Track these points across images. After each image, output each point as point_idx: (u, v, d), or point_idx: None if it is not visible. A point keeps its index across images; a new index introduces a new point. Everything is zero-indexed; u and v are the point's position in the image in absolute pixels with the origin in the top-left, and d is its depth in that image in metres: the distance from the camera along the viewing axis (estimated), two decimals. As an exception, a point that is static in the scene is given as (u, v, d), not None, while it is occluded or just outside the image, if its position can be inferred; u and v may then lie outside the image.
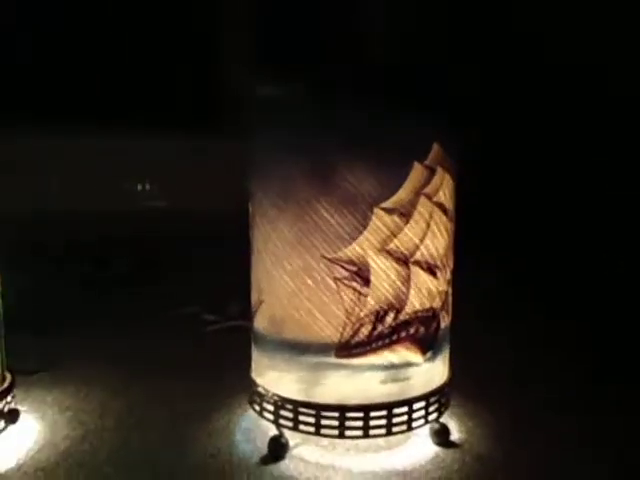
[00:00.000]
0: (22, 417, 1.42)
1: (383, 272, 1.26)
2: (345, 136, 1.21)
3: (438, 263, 1.34)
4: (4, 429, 1.31)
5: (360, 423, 1.27)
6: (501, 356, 1.90)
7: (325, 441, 1.36)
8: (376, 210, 1.24)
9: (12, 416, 1.31)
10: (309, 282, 1.26)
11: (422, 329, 1.32)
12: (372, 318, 1.27)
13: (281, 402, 1.30)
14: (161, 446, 1.38)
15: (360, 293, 1.26)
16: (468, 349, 1.57)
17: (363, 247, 1.25)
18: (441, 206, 1.33)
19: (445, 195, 1.34)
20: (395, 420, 1.29)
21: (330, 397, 1.28)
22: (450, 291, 1.42)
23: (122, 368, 1.77)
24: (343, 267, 1.25)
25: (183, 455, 1.34)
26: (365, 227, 1.24)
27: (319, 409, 1.27)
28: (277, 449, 1.33)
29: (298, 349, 1.28)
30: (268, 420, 1.34)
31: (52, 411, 1.54)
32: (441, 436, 1.40)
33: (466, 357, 1.52)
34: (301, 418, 1.29)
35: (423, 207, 1.29)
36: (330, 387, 1.28)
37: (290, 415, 1.29)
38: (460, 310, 1.49)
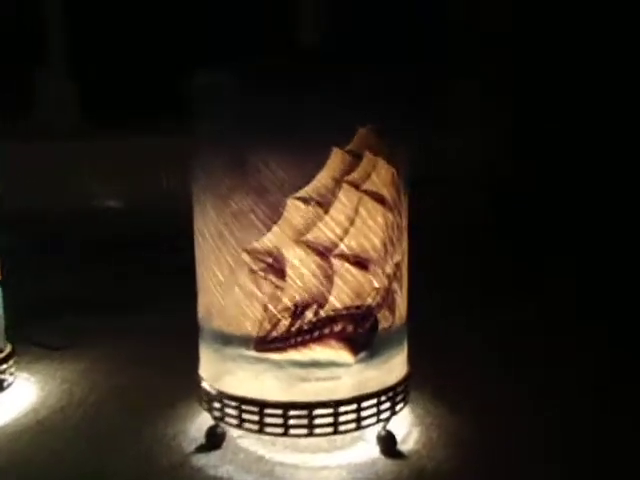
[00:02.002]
0: (25, 385, 1.65)
1: (300, 265, 1.20)
2: (259, 123, 1.18)
3: (371, 256, 1.24)
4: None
5: (280, 420, 1.23)
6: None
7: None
8: (289, 201, 1.18)
9: (-1, 384, 1.48)
10: (231, 274, 1.24)
11: (351, 328, 1.23)
12: (290, 312, 1.21)
13: (212, 393, 1.30)
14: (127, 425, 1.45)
15: (277, 286, 1.21)
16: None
17: (278, 238, 1.20)
18: (373, 194, 1.22)
19: (380, 182, 1.23)
20: (317, 422, 1.23)
21: (252, 391, 1.25)
22: (400, 288, 1.31)
23: (144, 351, 1.87)
24: (259, 259, 1.21)
25: (139, 436, 1.40)
26: (279, 217, 1.19)
27: (241, 402, 1.25)
28: (212, 438, 1.34)
29: (223, 340, 1.27)
30: (204, 409, 1.35)
31: (51, 383, 1.71)
32: (385, 444, 1.30)
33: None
34: (227, 410, 1.28)
35: (346, 196, 1.20)
36: (251, 381, 1.25)
37: (218, 406, 1.29)
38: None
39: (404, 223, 1.32)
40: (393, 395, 1.30)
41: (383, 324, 1.27)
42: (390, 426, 1.32)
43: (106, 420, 1.50)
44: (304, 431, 1.23)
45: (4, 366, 1.55)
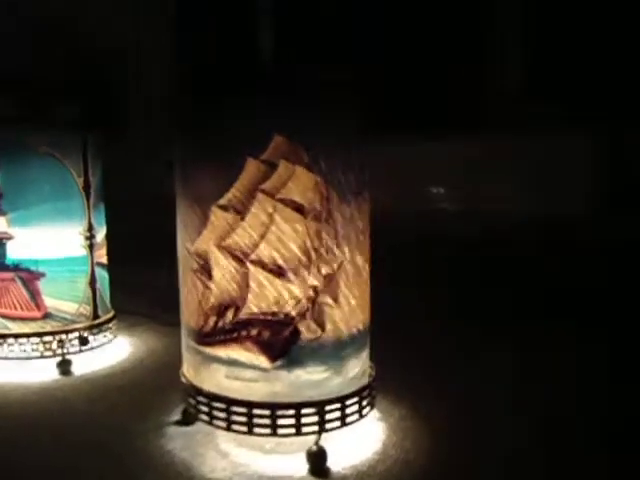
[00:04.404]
0: (122, 342, 2.10)
1: (222, 268, 1.27)
2: (188, 134, 1.29)
3: (289, 265, 1.23)
4: (81, 350, 1.93)
5: (206, 409, 1.33)
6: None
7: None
8: (213, 207, 1.26)
9: (83, 342, 1.93)
10: (183, 271, 1.38)
11: (267, 333, 1.25)
12: (215, 311, 1.30)
13: (184, 380, 1.46)
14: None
15: (206, 286, 1.31)
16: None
17: (206, 242, 1.29)
18: (290, 202, 1.21)
19: (298, 191, 1.21)
20: (234, 418, 1.28)
21: (196, 379, 1.37)
22: (334, 301, 1.26)
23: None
24: (195, 260, 1.33)
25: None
26: (206, 224, 1.28)
27: (190, 388, 1.38)
28: (185, 417, 1.50)
29: (184, 332, 1.42)
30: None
31: (139, 344, 2.11)
32: (311, 460, 1.27)
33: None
34: (186, 395, 1.42)
35: (261, 204, 1.22)
36: (195, 370, 1.38)
37: (186, 392, 1.44)
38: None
39: (343, 233, 1.26)
40: (319, 411, 1.26)
41: (307, 335, 1.25)
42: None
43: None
44: (224, 424, 1.30)
45: (109, 325, 1.99)
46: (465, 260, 3.10)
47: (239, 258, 1.25)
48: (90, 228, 1.92)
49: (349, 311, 1.29)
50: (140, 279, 2.75)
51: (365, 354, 1.37)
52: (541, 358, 1.96)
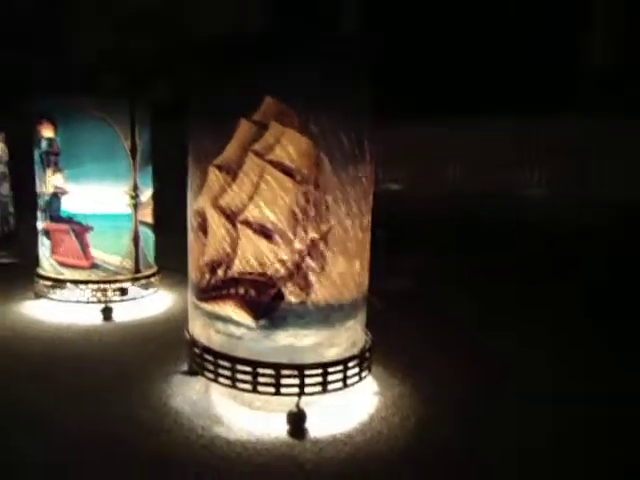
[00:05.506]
0: (162, 295, 2.25)
1: (216, 227, 1.31)
2: (193, 97, 1.33)
3: (276, 227, 1.24)
4: (122, 300, 2.08)
5: (199, 360, 1.39)
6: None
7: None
8: (211, 167, 1.30)
9: (123, 293, 2.08)
10: (190, 229, 1.44)
11: (252, 292, 1.28)
12: (209, 268, 1.34)
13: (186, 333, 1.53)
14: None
15: (203, 243, 1.36)
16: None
17: (204, 201, 1.34)
18: (279, 165, 1.22)
19: (289, 154, 1.21)
20: (220, 371, 1.33)
21: (195, 332, 1.44)
22: (320, 267, 1.26)
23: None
24: (196, 218, 1.38)
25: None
26: (204, 183, 1.33)
27: (190, 340, 1.45)
28: (190, 368, 1.57)
29: (189, 287, 1.49)
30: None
31: (176, 299, 2.25)
32: (290, 422, 1.29)
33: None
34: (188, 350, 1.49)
35: (250, 165, 1.24)
36: (193, 323, 1.44)
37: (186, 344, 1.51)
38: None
39: (333, 199, 1.24)
40: (300, 374, 1.27)
41: (291, 298, 1.26)
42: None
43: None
44: (212, 376, 1.35)
45: (150, 279, 2.14)
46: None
47: (230, 217, 1.28)
48: (135, 188, 2.05)
49: (338, 278, 1.28)
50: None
51: (356, 324, 1.35)
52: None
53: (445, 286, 2.55)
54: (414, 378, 1.60)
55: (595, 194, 4.00)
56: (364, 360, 1.37)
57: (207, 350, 1.36)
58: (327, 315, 1.29)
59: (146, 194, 2.11)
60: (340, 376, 1.31)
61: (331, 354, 1.30)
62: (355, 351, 1.35)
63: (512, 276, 2.68)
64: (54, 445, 1.26)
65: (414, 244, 3.07)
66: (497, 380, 1.62)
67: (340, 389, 1.32)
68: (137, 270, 2.10)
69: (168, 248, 2.18)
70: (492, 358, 1.78)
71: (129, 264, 2.08)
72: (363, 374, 1.37)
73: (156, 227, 2.19)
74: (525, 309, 2.27)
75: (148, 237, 2.15)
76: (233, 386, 1.32)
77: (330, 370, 1.30)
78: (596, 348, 1.89)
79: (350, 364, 1.33)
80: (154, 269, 2.19)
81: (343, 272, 1.28)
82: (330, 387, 1.30)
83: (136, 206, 2.07)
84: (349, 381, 1.33)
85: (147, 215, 2.14)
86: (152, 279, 2.17)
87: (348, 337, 1.33)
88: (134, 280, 2.09)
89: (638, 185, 3.75)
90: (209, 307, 1.35)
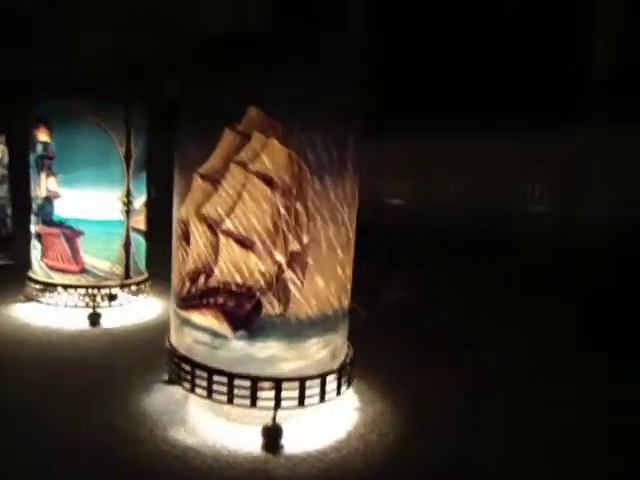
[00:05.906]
0: (153, 300, 2.24)
1: (198, 235, 1.31)
2: (181, 106, 1.34)
3: (254, 238, 1.23)
4: (110, 306, 2.08)
5: (176, 369, 1.37)
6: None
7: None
8: (195, 175, 1.30)
9: (112, 298, 2.07)
10: (175, 238, 1.44)
11: (232, 303, 1.27)
12: (190, 277, 1.33)
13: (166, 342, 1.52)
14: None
15: (185, 252, 1.35)
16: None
17: (187, 210, 1.33)
18: (261, 175, 1.22)
19: (271, 164, 1.21)
20: (197, 382, 1.32)
21: (174, 339, 1.43)
22: (300, 281, 1.25)
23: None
24: (180, 226, 1.37)
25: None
26: (188, 191, 1.32)
27: (169, 347, 1.44)
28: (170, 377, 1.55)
29: (171, 295, 1.48)
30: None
31: (165, 305, 2.24)
32: (265, 437, 1.27)
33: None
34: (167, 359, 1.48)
35: (233, 175, 1.24)
36: (174, 333, 1.43)
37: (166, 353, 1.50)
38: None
39: (315, 210, 1.23)
40: (276, 387, 1.26)
41: (268, 310, 1.25)
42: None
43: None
44: (189, 386, 1.34)
45: (139, 285, 2.14)
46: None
47: (211, 226, 1.28)
48: (128, 194, 2.06)
49: (318, 291, 1.27)
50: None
51: (336, 338, 1.34)
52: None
53: (438, 300, 2.53)
54: (395, 394, 1.57)
55: (596, 206, 3.92)
56: (344, 374, 1.36)
57: (185, 359, 1.35)
58: (306, 327, 1.27)
59: (139, 200, 2.12)
60: (318, 390, 1.29)
61: (309, 368, 1.29)
62: (334, 365, 1.34)
63: (511, 287, 2.65)
64: (32, 447, 1.25)
65: (410, 258, 3.05)
66: (479, 395, 1.59)
67: (318, 403, 1.30)
68: (127, 276, 2.10)
69: (161, 255, 2.17)
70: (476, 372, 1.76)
71: (119, 270, 2.08)
72: (342, 389, 1.36)
73: (149, 234, 2.20)
74: (517, 323, 2.25)
75: (140, 244, 2.15)
76: (209, 397, 1.31)
77: (308, 384, 1.28)
78: (593, 372, 1.86)
79: (329, 378, 1.31)
80: (144, 276, 2.19)
81: (323, 284, 1.27)
82: (307, 402, 1.29)
83: (128, 212, 2.07)
84: (327, 396, 1.31)
85: (139, 222, 2.14)
86: (142, 286, 2.16)
87: (328, 351, 1.32)
88: (123, 286, 2.09)
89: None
90: (189, 316, 1.34)
